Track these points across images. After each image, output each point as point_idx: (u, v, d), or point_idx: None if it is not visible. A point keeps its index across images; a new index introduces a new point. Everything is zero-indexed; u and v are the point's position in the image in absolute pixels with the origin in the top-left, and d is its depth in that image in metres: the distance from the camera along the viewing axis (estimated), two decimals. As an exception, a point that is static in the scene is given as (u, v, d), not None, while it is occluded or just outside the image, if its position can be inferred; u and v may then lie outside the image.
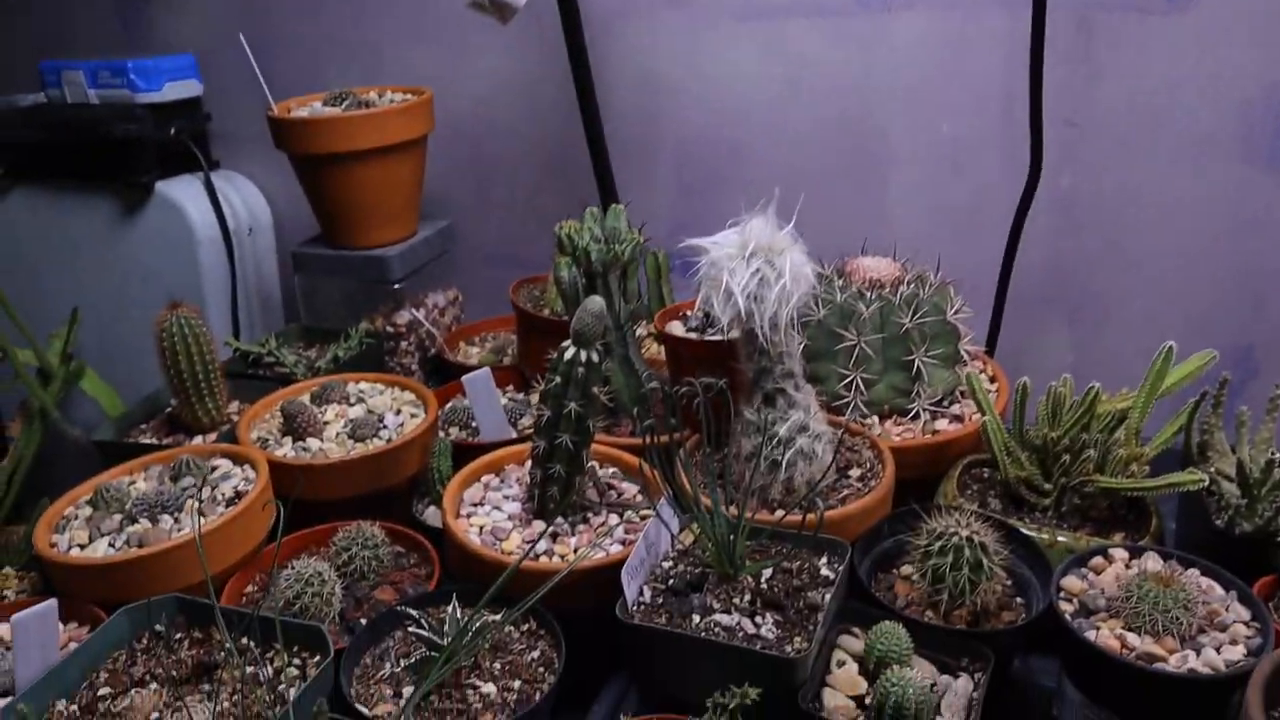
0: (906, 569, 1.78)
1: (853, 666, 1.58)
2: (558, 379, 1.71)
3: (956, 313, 2.09)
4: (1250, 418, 1.81)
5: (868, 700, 1.53)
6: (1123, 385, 1.95)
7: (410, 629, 1.54)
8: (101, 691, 1.51)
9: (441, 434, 2.22)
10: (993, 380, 2.22)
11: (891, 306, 2.06)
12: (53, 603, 1.51)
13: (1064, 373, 1.92)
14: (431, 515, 2.01)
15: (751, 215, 1.74)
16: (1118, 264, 2.46)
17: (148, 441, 2.10)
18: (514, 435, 2.17)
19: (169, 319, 2.03)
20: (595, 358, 1.70)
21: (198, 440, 2.10)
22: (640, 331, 2.38)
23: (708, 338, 1.94)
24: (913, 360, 2.05)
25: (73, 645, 1.66)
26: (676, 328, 2.02)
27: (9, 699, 1.54)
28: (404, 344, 2.49)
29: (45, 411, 2.45)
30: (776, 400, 1.81)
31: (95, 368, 2.63)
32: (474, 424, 2.21)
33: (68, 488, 1.90)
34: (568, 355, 1.70)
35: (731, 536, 1.63)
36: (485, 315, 2.75)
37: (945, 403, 2.12)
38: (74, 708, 1.49)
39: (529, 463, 1.94)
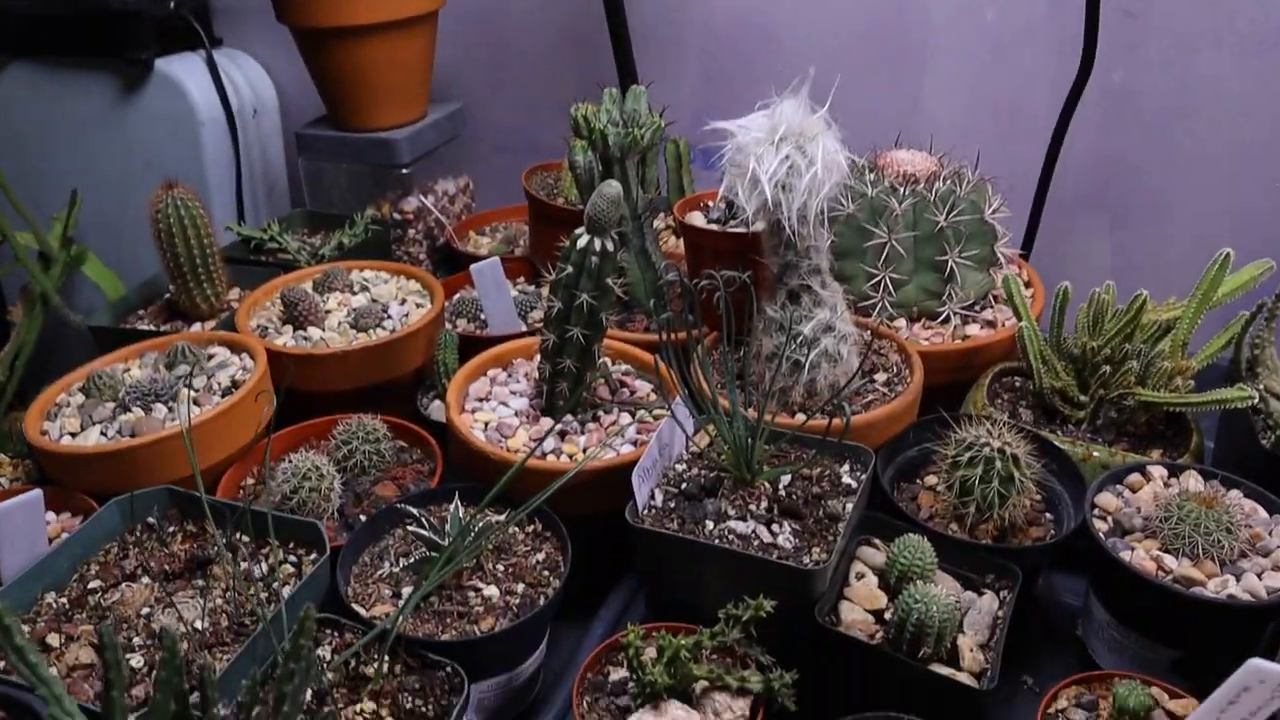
0: (931, 479, 1.70)
1: (872, 580, 1.51)
2: (569, 269, 1.61)
3: (994, 212, 1.97)
4: (1307, 331, 1.71)
5: (887, 615, 1.46)
6: (1166, 295, 1.85)
7: (410, 528, 1.47)
8: (91, 584, 1.46)
9: (448, 325, 2.14)
10: (1028, 285, 2.10)
11: (925, 203, 1.94)
12: (38, 493, 1.45)
13: (1104, 277, 1.81)
14: (436, 409, 1.94)
15: (782, 98, 1.62)
16: (1169, 165, 2.32)
17: (144, 328, 2.02)
18: (523, 328, 2.09)
19: (164, 199, 1.93)
20: (610, 246, 1.60)
21: (196, 327, 2.02)
22: (658, 224, 2.27)
23: (730, 229, 1.82)
24: (945, 261, 1.94)
25: (64, 535, 1.61)
26: (697, 218, 1.91)
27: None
28: (411, 232, 2.39)
29: (46, 297, 2.37)
30: (801, 298, 1.70)
31: (97, 253, 2.55)
32: (482, 316, 2.12)
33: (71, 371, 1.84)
34: (580, 243, 1.60)
35: (749, 440, 1.55)
36: (497, 204, 2.64)
37: (977, 307, 2.02)
38: (63, 600, 1.43)
39: (538, 357, 1.86)
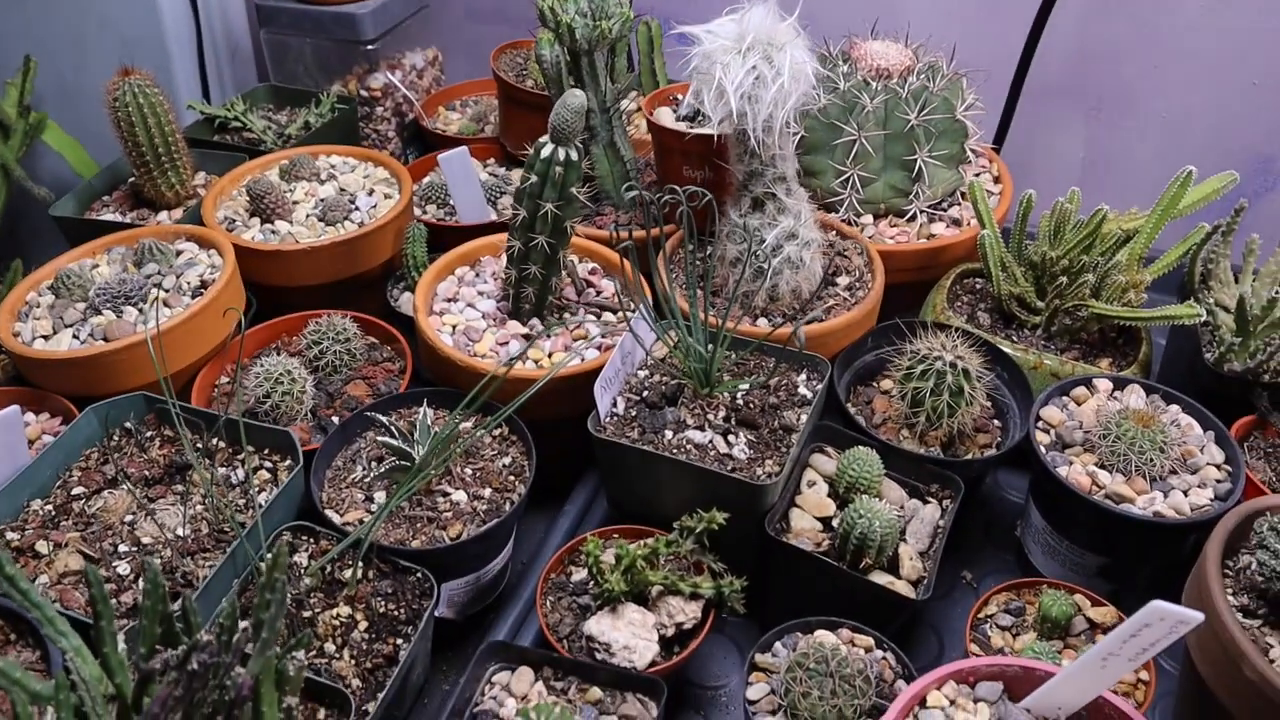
0: (887, 384, 1.76)
1: (823, 488, 1.58)
2: (534, 178, 1.60)
3: (967, 109, 1.95)
4: (1260, 246, 1.73)
5: (835, 524, 1.54)
6: (1135, 192, 1.86)
7: (380, 438, 1.53)
8: (75, 491, 1.52)
9: (418, 211, 2.13)
10: (997, 180, 2.11)
11: (897, 100, 1.92)
12: (15, 410, 1.49)
13: (1074, 172, 1.81)
14: (406, 302, 1.96)
15: (751, 3, 1.58)
16: (1148, 57, 2.27)
17: (110, 218, 2.01)
18: (493, 216, 2.09)
19: (121, 87, 1.88)
20: (574, 156, 1.59)
21: (162, 217, 2.01)
22: (630, 105, 2.23)
23: (697, 130, 1.81)
24: (914, 160, 1.94)
25: (45, 438, 1.66)
26: (666, 115, 1.89)
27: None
28: (379, 110, 2.34)
29: (7, 169, 2.34)
30: (765, 205, 1.71)
31: (57, 120, 2.49)
32: (450, 201, 2.12)
33: (37, 248, 1.84)
34: (544, 153, 1.59)
35: (710, 349, 1.59)
36: (468, 76, 2.57)
37: (945, 204, 2.03)
38: (49, 507, 1.49)
39: (504, 257, 1.87)
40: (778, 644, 1.42)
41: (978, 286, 1.92)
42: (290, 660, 1.17)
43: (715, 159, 1.77)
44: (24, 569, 1.42)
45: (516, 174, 2.25)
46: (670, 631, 1.43)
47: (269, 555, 1.14)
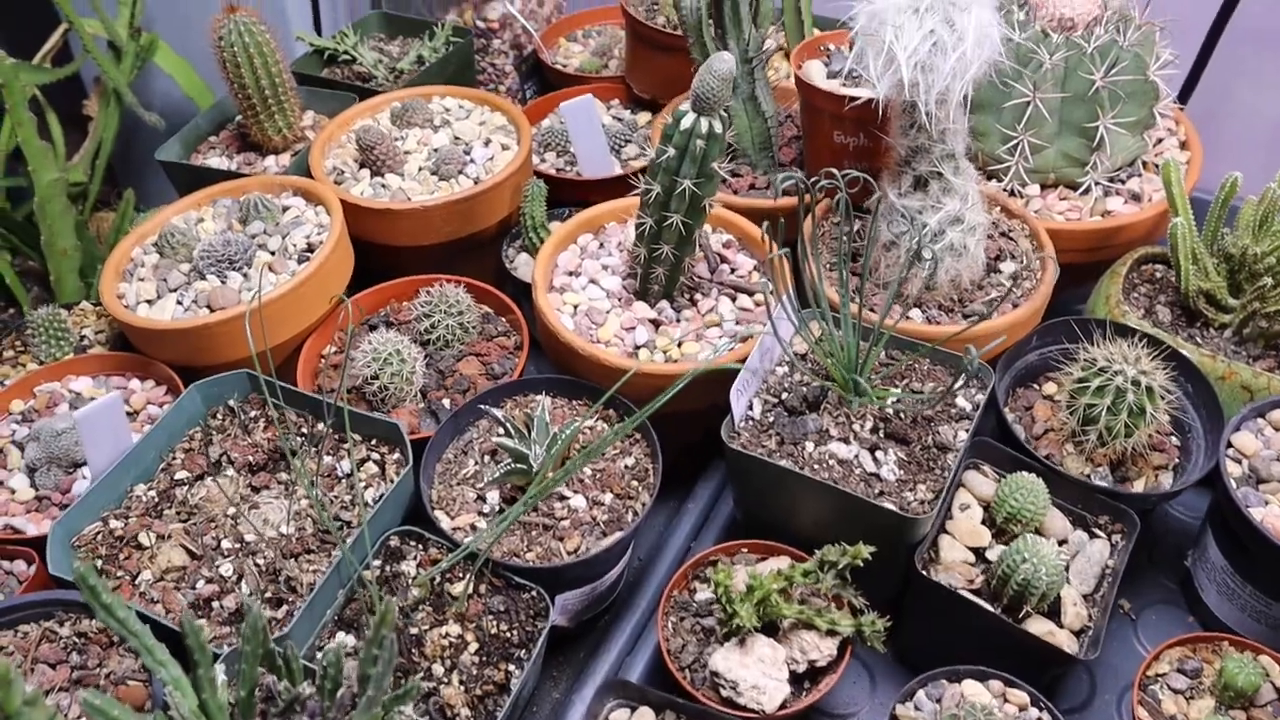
0: (1051, 389, 1.57)
1: (977, 512, 1.42)
2: (671, 151, 1.43)
3: (1161, 67, 1.69)
4: None
5: (989, 555, 1.39)
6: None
7: (497, 439, 1.41)
8: (178, 475, 1.44)
9: (536, 159, 1.98)
10: (1183, 146, 1.85)
11: (1080, 57, 1.67)
12: (116, 396, 1.41)
13: (1273, 136, 1.56)
14: (522, 264, 1.82)
15: (931, -46, 1.36)
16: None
17: (216, 162, 1.90)
18: (617, 169, 1.92)
19: (226, 26, 1.74)
20: (718, 128, 1.41)
21: (269, 162, 1.90)
22: (770, 44, 2.01)
23: (853, 92, 1.60)
24: (1096, 127, 1.70)
25: (150, 408, 1.59)
26: (816, 71, 1.68)
27: (84, 471, 1.50)
28: (496, 42, 2.16)
29: (119, 93, 2.24)
30: (929, 185, 1.51)
31: (167, 41, 2.38)
32: (571, 149, 1.96)
33: (148, 176, 1.76)
34: (685, 123, 1.41)
35: (861, 349, 1.42)
36: (591, 4, 2.36)
37: (1123, 174, 1.79)
38: (151, 493, 1.43)
39: (632, 222, 1.71)
40: (921, 693, 1.30)
41: (1158, 275, 1.70)
42: (398, 716, 1.08)
43: (872, 126, 1.57)
44: (128, 561, 1.36)
45: (643, 117, 2.07)
46: (802, 668, 1.31)
47: (379, 607, 1.04)
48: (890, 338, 1.48)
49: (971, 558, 1.38)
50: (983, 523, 1.41)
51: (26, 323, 1.70)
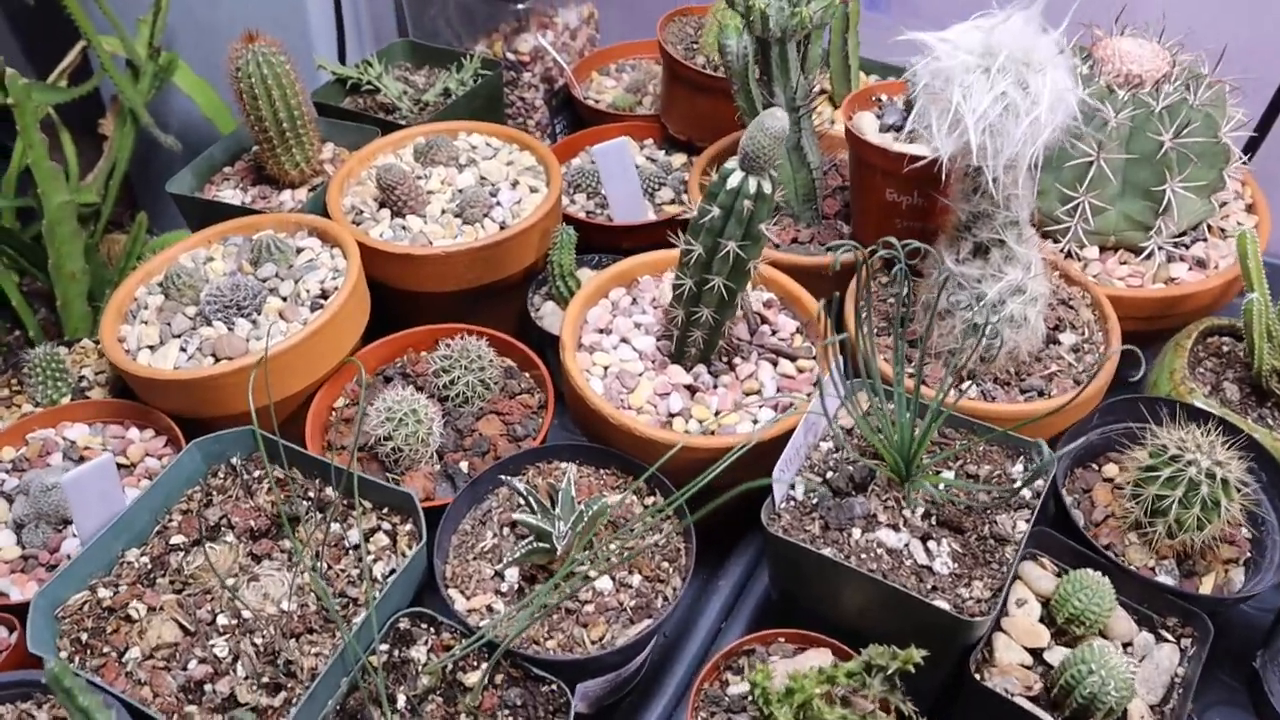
0: (1112, 471, 1.46)
1: (1034, 608, 1.31)
2: (716, 211, 1.33)
3: (1234, 129, 1.59)
4: None
5: (1046, 655, 1.28)
6: None
7: (518, 516, 1.30)
8: (174, 540, 1.34)
9: (565, 201, 1.88)
10: (1249, 209, 1.74)
11: (1148, 116, 1.57)
12: (108, 458, 1.31)
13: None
14: (549, 313, 1.72)
15: (1008, 8, 1.26)
16: None
17: (229, 195, 1.80)
18: (650, 215, 1.82)
19: (244, 56, 1.65)
20: (767, 188, 1.31)
21: (285, 197, 1.80)
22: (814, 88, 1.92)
23: (910, 149, 1.50)
24: (1163, 190, 1.59)
25: (149, 460, 1.49)
26: (868, 124, 1.58)
27: (74, 529, 1.40)
28: (527, 75, 2.07)
29: (135, 114, 2.16)
30: (990, 253, 1.41)
31: (188, 60, 2.29)
32: (603, 192, 1.86)
33: (163, 198, 1.69)
34: (731, 183, 1.31)
35: (914, 429, 1.32)
36: (624, 37, 2.26)
37: (1187, 238, 1.68)
38: (144, 559, 1.33)
39: (667, 276, 1.62)
40: (974, 811, 1.19)
41: (1224, 349, 1.59)
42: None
43: (929, 186, 1.47)
44: (114, 635, 1.25)
45: (678, 158, 1.97)
46: (843, 777, 1.20)
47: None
48: (933, 417, 1.38)
49: (1029, 659, 1.27)
50: (1040, 620, 1.30)
51: (23, 361, 1.61)
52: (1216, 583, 1.35)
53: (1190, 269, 1.64)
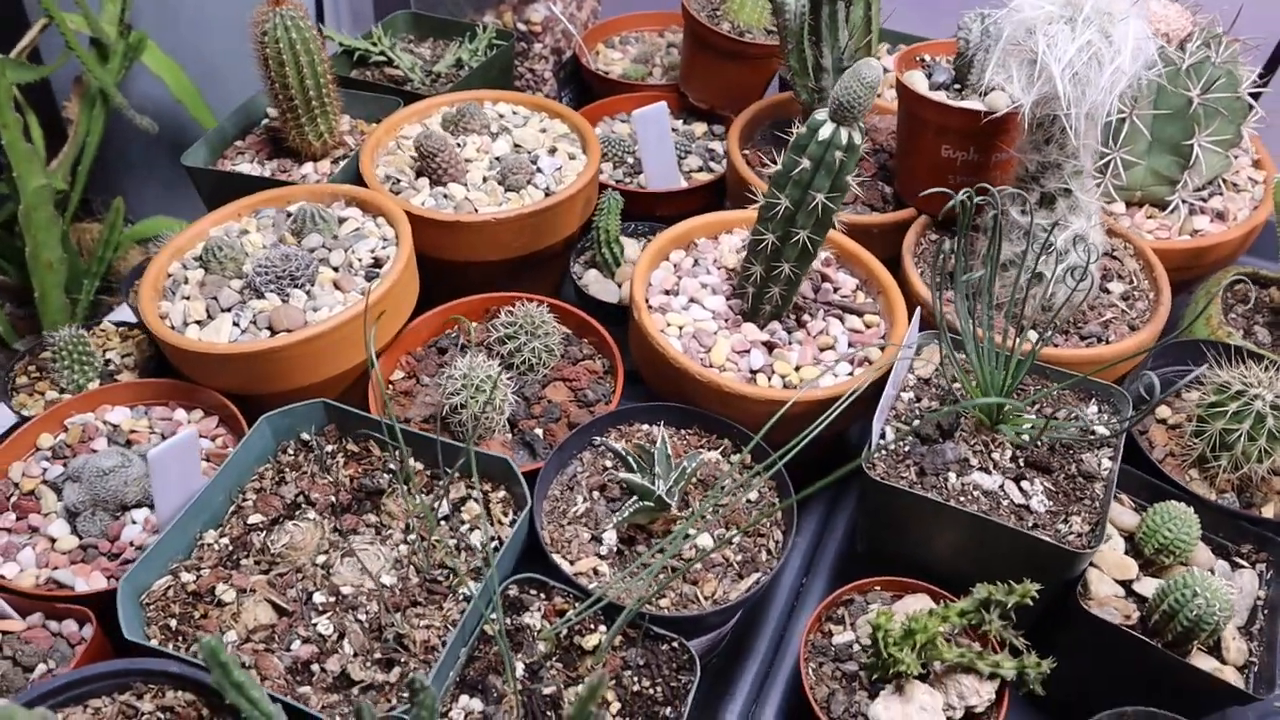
0: (1164, 411, 1.52)
1: (1119, 543, 1.36)
2: (806, 163, 1.33)
3: (1265, 84, 1.67)
4: None
5: (1135, 586, 1.32)
6: None
7: (624, 476, 1.28)
8: (252, 519, 1.27)
9: (593, 172, 1.85)
10: (1257, 165, 1.83)
11: (1176, 73, 1.64)
12: (193, 432, 1.24)
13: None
14: (593, 281, 1.69)
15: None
16: None
17: (246, 169, 1.72)
18: (682, 183, 1.81)
19: (271, 20, 1.57)
20: (858, 139, 1.32)
21: (307, 170, 1.72)
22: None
23: (964, 104, 1.53)
24: (1190, 144, 1.66)
25: (203, 443, 1.41)
26: (918, 81, 1.60)
27: (145, 511, 1.32)
28: (538, 46, 2.02)
29: (106, 94, 2.04)
30: (1056, 202, 1.45)
31: (155, 39, 2.18)
32: (629, 160, 1.84)
33: (135, 182, 1.57)
34: (823, 134, 1.31)
35: (1002, 375, 1.34)
36: (624, 9, 2.24)
37: (1206, 193, 1.76)
38: (224, 540, 1.25)
39: (723, 237, 1.61)
40: (1090, 739, 1.22)
41: (1250, 295, 1.67)
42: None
43: (987, 140, 1.50)
44: (205, 620, 1.18)
45: (698, 127, 1.96)
46: (958, 714, 1.22)
47: (591, 679, 0.91)
48: (1018, 363, 1.41)
49: (1122, 591, 1.31)
50: (1125, 553, 1.34)
51: (45, 344, 1.50)
52: (1275, 511, 1.42)
53: (1211, 221, 1.71)
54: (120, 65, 2.07)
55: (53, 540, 1.29)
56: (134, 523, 1.31)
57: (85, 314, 2.11)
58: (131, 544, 1.30)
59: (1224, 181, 1.77)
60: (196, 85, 2.24)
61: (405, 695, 1.12)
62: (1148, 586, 1.30)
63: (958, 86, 1.60)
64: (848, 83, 1.28)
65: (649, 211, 1.77)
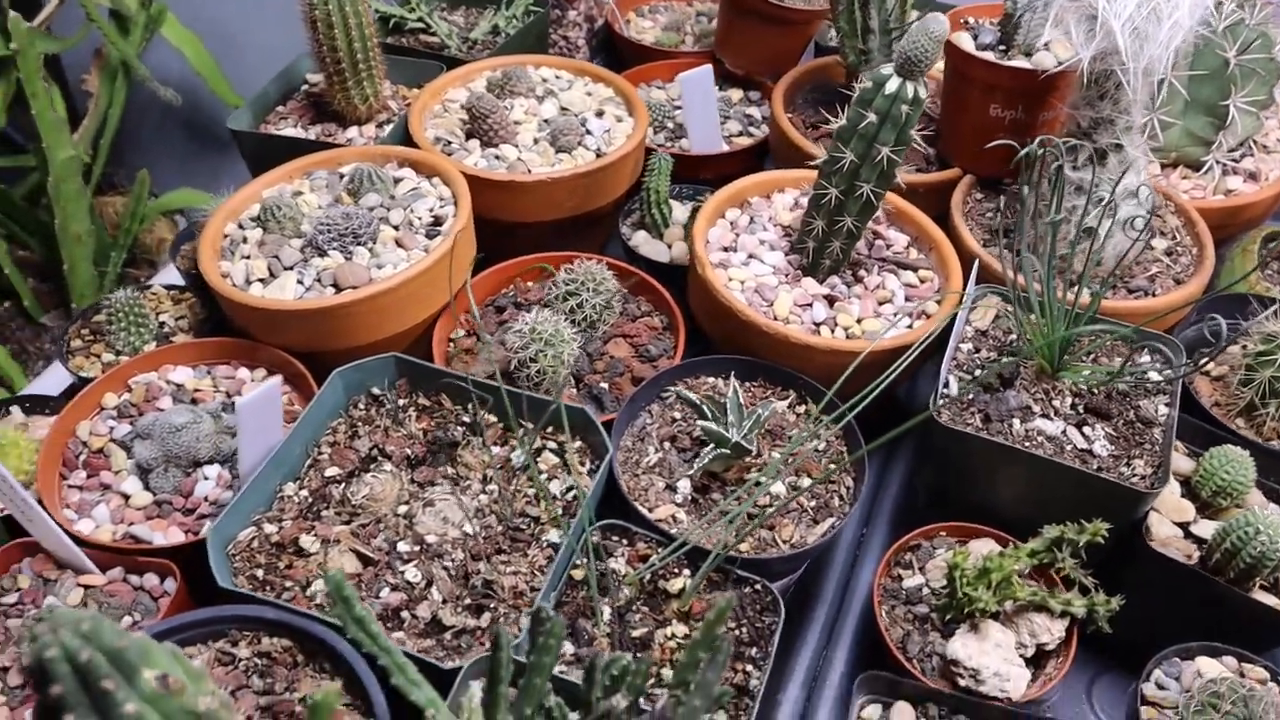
0: (1210, 365, 1.56)
1: (1175, 487, 1.39)
2: (872, 117, 1.35)
3: (1283, 48, 1.71)
4: None
5: (1193, 528, 1.36)
6: None
7: (702, 424, 1.30)
8: (329, 471, 1.28)
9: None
10: (1283, 122, 1.88)
11: (1210, 35, 1.67)
12: (276, 382, 1.24)
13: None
14: (643, 242, 1.70)
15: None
16: None
17: (290, 133, 1.71)
18: (725, 147, 1.83)
19: (322, -20, 1.57)
20: (923, 93, 1.34)
21: (352, 134, 1.72)
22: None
23: (1013, 63, 1.55)
24: (1226, 105, 1.70)
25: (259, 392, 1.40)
26: (965, 41, 1.62)
27: (217, 468, 1.31)
28: (572, 13, 2.03)
29: (129, 66, 2.02)
30: (1108, 158, 1.48)
31: (173, 12, 2.16)
32: (669, 124, 1.85)
33: (159, 154, 1.56)
34: (889, 88, 1.33)
35: (1063, 326, 1.37)
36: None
37: (1238, 154, 1.80)
38: (304, 492, 1.26)
39: (778, 195, 1.63)
40: (1158, 672, 1.25)
41: (1283, 252, 1.72)
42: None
43: (1036, 97, 1.53)
44: (291, 570, 1.19)
45: (734, 94, 1.98)
46: (1030, 651, 1.25)
47: (715, 607, 0.92)
48: (1075, 314, 1.44)
49: (1180, 534, 1.35)
50: (1181, 497, 1.38)
51: (102, 306, 1.49)
52: (1322, 458, 1.46)
53: (1244, 181, 1.76)
54: (141, 37, 2.05)
55: (126, 497, 1.29)
56: (206, 478, 1.31)
57: (113, 286, 2.09)
58: (206, 499, 1.30)
59: (1254, 143, 1.81)
60: (216, 60, 2.22)
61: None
62: (1205, 529, 1.34)
63: (1003, 47, 1.63)
64: (915, 37, 1.30)
65: (693, 174, 1.79)
